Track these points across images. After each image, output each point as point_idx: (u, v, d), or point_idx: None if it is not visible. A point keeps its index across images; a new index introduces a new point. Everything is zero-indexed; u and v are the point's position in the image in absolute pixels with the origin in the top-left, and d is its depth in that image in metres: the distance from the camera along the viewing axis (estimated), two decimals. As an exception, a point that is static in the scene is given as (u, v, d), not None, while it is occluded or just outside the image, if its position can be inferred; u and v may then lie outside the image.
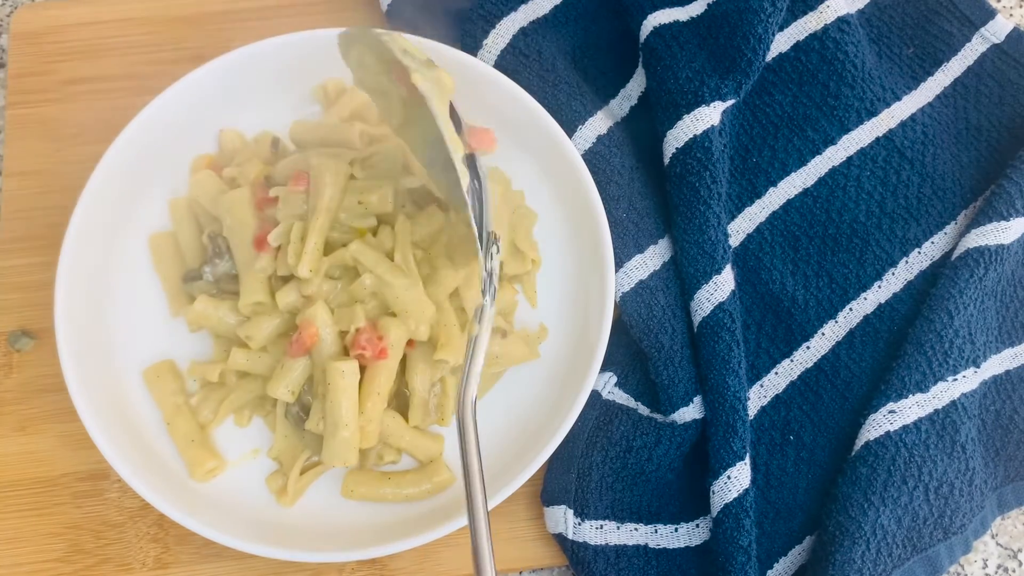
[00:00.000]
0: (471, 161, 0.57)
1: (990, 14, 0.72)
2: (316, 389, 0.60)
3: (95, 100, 0.70)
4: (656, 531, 0.62)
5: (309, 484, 0.61)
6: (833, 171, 0.68)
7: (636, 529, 0.62)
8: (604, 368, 0.64)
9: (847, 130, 0.69)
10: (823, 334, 0.66)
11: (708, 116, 0.65)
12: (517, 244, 0.65)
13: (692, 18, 0.68)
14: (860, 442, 0.61)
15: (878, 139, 0.69)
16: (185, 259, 0.64)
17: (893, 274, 0.67)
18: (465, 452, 0.53)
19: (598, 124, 0.67)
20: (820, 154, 0.69)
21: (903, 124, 0.70)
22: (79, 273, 0.60)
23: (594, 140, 0.67)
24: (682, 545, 0.62)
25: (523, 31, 0.69)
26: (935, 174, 0.69)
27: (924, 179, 0.69)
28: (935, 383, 0.62)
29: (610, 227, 0.63)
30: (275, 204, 0.61)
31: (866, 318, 0.66)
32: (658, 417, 0.63)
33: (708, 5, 0.68)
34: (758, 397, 0.65)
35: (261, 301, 0.60)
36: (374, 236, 0.61)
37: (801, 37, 0.70)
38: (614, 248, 0.63)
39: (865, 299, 0.66)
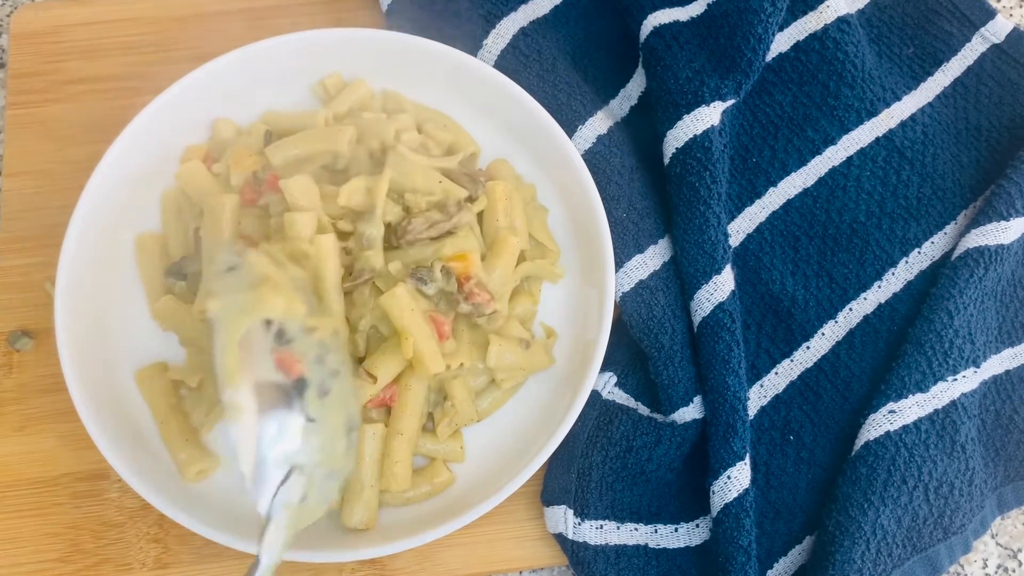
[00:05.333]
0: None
1: (990, 14, 0.72)
2: None
3: (95, 100, 0.70)
4: (656, 531, 0.62)
5: None
6: (833, 171, 0.69)
7: (636, 529, 0.62)
8: (604, 368, 0.64)
9: (847, 130, 0.69)
10: (823, 334, 0.66)
11: (708, 116, 0.65)
12: (535, 236, 0.65)
13: (692, 18, 0.68)
14: (860, 442, 0.61)
15: (878, 139, 0.69)
16: (170, 253, 0.63)
17: (893, 274, 0.67)
18: None
19: (598, 124, 0.67)
20: (820, 154, 0.69)
21: (903, 124, 0.70)
22: (79, 273, 0.60)
23: (594, 140, 0.67)
24: (682, 545, 0.62)
25: (523, 31, 0.69)
26: (935, 174, 0.69)
27: (924, 179, 0.69)
28: (935, 383, 0.62)
29: (610, 227, 0.63)
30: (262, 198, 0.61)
31: (866, 318, 0.66)
32: (658, 417, 0.63)
33: (708, 5, 0.68)
34: (758, 397, 0.65)
35: None
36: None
37: (801, 37, 0.70)
38: (614, 248, 0.63)
39: (865, 299, 0.66)
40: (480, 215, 0.64)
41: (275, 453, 0.50)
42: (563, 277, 0.66)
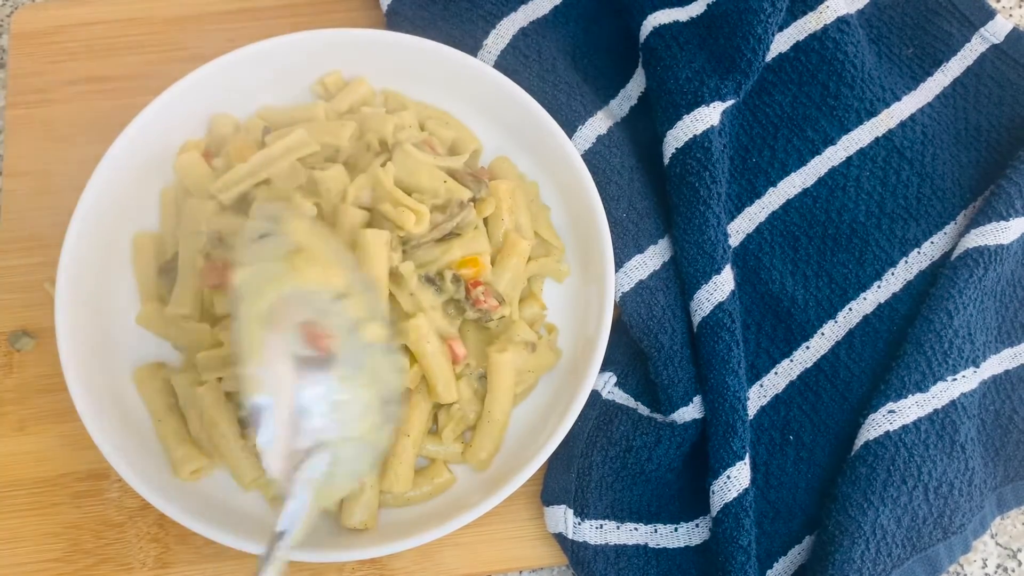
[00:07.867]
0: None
1: (990, 14, 0.72)
2: None
3: (95, 100, 0.70)
4: (656, 531, 0.62)
5: None
6: (833, 171, 0.69)
7: (636, 529, 0.62)
8: (604, 368, 0.64)
9: (847, 130, 0.69)
10: (823, 334, 0.66)
11: (708, 116, 0.65)
12: (539, 234, 0.65)
13: (692, 18, 0.68)
14: (860, 442, 0.61)
15: (878, 139, 0.69)
16: (166, 251, 0.63)
17: (893, 274, 0.67)
18: None
19: (598, 124, 0.67)
20: (820, 154, 0.69)
21: (903, 124, 0.70)
22: (79, 273, 0.60)
23: (594, 140, 0.67)
24: (682, 545, 0.62)
25: (523, 31, 0.69)
26: (935, 174, 0.69)
27: (924, 179, 0.69)
28: (935, 383, 0.62)
29: (610, 227, 0.63)
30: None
31: (866, 318, 0.66)
32: (658, 417, 0.63)
33: (708, 5, 0.68)
34: (758, 397, 0.65)
35: (186, 315, 0.59)
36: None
37: (801, 37, 0.70)
38: (614, 248, 0.63)
39: (865, 299, 0.66)
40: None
41: (298, 429, 0.47)
42: (569, 275, 0.66)
